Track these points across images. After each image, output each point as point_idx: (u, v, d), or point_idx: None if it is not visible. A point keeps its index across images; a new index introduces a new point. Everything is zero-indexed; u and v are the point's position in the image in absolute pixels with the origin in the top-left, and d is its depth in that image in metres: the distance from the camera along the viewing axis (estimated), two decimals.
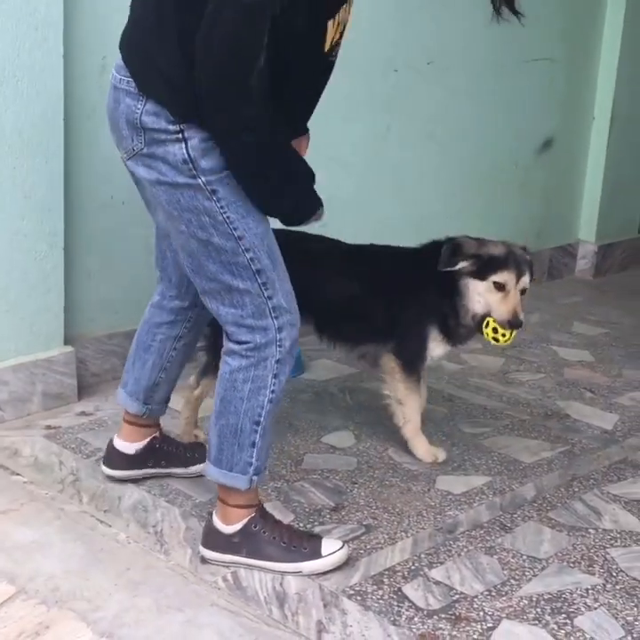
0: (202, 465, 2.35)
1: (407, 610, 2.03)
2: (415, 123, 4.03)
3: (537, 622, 2.00)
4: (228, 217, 2.01)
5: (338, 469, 2.65)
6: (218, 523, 2.18)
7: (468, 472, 2.69)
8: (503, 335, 2.62)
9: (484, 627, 1.98)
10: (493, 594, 2.10)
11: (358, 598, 2.06)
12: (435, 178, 4.18)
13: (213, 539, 2.18)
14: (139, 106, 2.00)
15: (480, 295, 2.62)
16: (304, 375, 3.37)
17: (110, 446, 2.52)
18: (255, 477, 2.13)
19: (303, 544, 2.16)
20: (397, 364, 2.71)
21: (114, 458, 2.51)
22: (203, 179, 1.98)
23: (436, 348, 2.74)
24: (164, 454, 2.53)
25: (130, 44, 2.08)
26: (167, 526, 2.32)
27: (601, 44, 4.72)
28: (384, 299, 2.73)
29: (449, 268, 2.62)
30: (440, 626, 1.98)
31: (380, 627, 1.97)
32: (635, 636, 1.97)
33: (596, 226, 4.97)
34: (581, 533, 2.38)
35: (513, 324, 2.59)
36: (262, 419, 2.11)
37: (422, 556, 2.24)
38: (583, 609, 2.06)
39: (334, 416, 3.03)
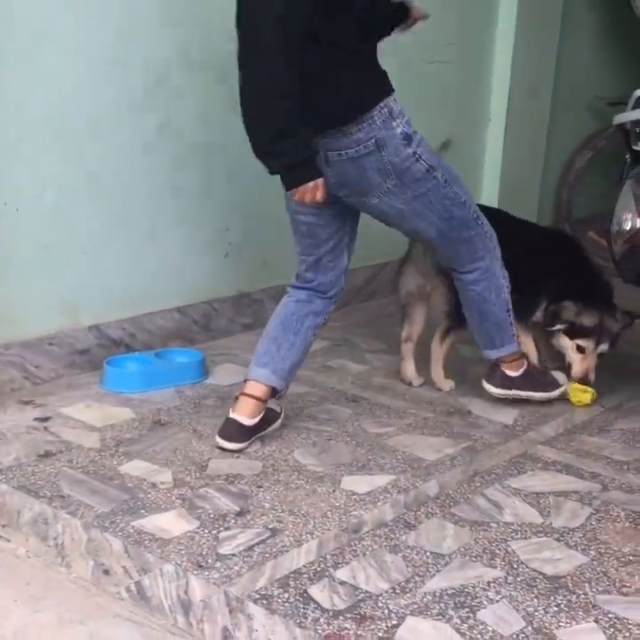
0: (279, 421, 2.93)
1: (313, 611, 2.03)
2: None
3: (441, 617, 2.03)
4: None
5: (243, 474, 2.64)
6: (506, 371, 3.13)
7: (372, 472, 2.71)
8: (579, 401, 3.27)
9: (389, 624, 2.00)
10: (398, 591, 2.12)
11: (264, 602, 2.05)
12: None
13: (502, 381, 3.15)
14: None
15: (566, 349, 3.33)
16: (208, 380, 3.35)
17: (232, 422, 2.80)
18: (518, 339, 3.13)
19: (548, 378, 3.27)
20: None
21: (235, 432, 2.79)
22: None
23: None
24: (264, 419, 2.86)
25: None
26: (68, 539, 2.28)
27: (494, 46, 4.82)
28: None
29: (550, 329, 3.33)
30: (345, 626, 1.99)
31: (286, 630, 1.97)
32: (535, 626, 2.01)
33: None
34: (483, 528, 2.42)
35: (584, 381, 3.29)
36: (509, 304, 3.01)
37: (328, 556, 2.25)
38: (485, 602, 2.10)
39: None
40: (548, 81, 5.14)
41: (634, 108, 2.84)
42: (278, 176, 2.60)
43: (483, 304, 2.99)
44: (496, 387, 3.18)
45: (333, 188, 2.69)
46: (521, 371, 3.17)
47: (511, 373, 3.16)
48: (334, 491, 2.57)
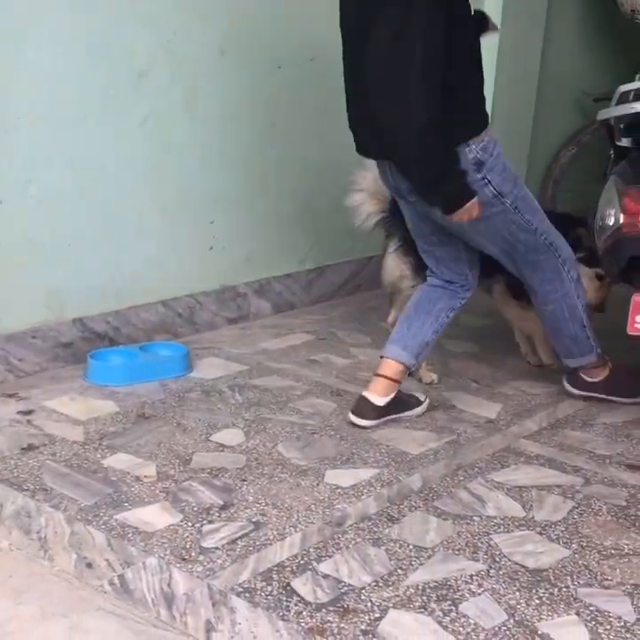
0: (420, 407, 3.09)
1: (296, 604, 2.04)
2: (299, 119, 4.05)
3: (423, 610, 2.04)
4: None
5: (227, 467, 2.64)
6: (585, 376, 3.23)
7: (356, 465, 2.71)
8: None
9: (372, 617, 2.00)
10: (380, 584, 2.13)
11: (247, 595, 2.05)
12: (318, 174, 4.21)
13: (581, 384, 3.25)
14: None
15: (584, 277, 3.19)
16: (192, 374, 3.35)
17: (363, 400, 2.97)
18: (598, 350, 3.19)
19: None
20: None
21: (365, 410, 2.97)
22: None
23: None
24: (399, 401, 3.02)
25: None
26: (51, 532, 2.28)
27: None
28: None
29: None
30: (328, 619, 1.99)
31: (268, 623, 1.98)
32: (517, 619, 2.03)
33: None
34: (466, 521, 2.43)
35: (600, 308, 3.43)
36: (585, 320, 3.10)
37: (311, 550, 2.25)
38: (468, 595, 2.10)
39: (223, 414, 3.02)
40: (533, 76, 5.15)
41: (617, 103, 2.85)
42: None
43: (556, 322, 3.12)
44: (575, 388, 3.29)
45: (408, 193, 2.83)
46: (602, 376, 3.25)
47: (589, 379, 3.25)
48: (318, 484, 2.58)
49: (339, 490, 2.55)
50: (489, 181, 2.75)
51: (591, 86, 5.32)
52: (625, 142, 2.93)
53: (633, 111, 2.77)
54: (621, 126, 2.92)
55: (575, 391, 3.28)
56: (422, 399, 3.13)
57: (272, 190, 4.00)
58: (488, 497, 2.57)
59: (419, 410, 3.09)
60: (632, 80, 3.37)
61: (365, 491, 2.56)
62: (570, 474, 2.74)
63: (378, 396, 2.99)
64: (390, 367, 3.01)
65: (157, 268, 3.64)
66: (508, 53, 4.88)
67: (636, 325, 2.81)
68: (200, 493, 2.49)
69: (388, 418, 3.01)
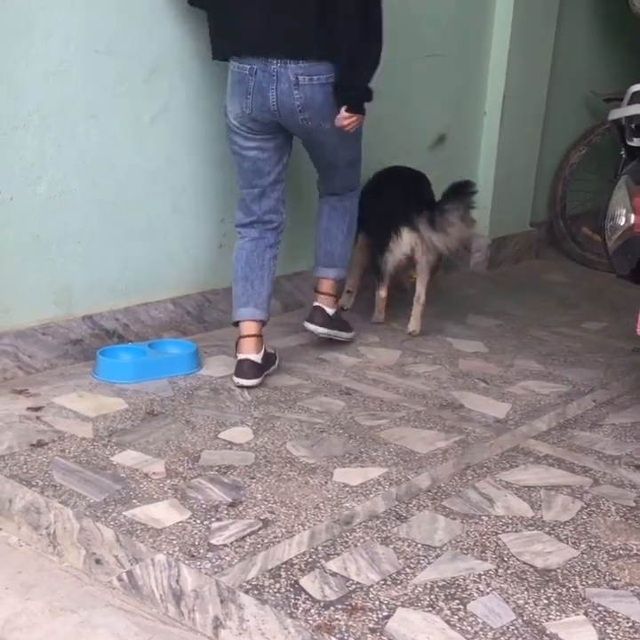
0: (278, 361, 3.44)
1: (304, 602, 2.04)
2: None
3: (431, 609, 2.04)
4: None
5: (235, 465, 2.65)
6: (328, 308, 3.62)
7: (364, 464, 2.71)
8: None
9: (380, 615, 2.00)
10: (389, 583, 2.13)
11: (255, 592, 2.05)
12: None
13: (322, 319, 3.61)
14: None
15: None
16: (201, 371, 3.35)
17: (243, 362, 3.23)
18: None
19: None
20: None
21: (250, 370, 3.23)
22: None
23: None
24: (268, 357, 3.34)
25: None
26: (60, 528, 2.28)
27: (491, 39, 4.82)
28: None
29: None
30: (336, 617, 1.99)
31: (276, 620, 1.98)
32: (525, 618, 2.02)
33: (490, 220, 5.09)
34: (474, 520, 2.43)
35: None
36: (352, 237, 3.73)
37: (319, 548, 2.25)
38: (476, 594, 2.10)
39: (232, 412, 3.02)
40: (544, 76, 5.14)
41: (629, 103, 2.84)
42: None
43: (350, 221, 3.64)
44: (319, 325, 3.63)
45: (296, 110, 3.17)
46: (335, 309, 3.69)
47: (330, 310, 3.65)
48: (326, 482, 2.58)
49: (347, 488, 2.55)
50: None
51: (602, 86, 5.32)
52: (636, 142, 2.92)
53: None
54: (633, 126, 2.91)
55: (319, 329, 3.61)
56: (273, 352, 3.42)
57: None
58: (497, 496, 2.57)
59: (277, 363, 3.41)
60: None
61: (374, 489, 2.56)
62: (579, 474, 2.74)
63: (255, 353, 3.26)
64: (252, 326, 3.31)
65: (167, 266, 3.64)
66: (519, 53, 4.87)
67: None
68: (208, 491, 2.49)
69: (264, 374, 3.30)
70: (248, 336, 3.28)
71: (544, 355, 3.79)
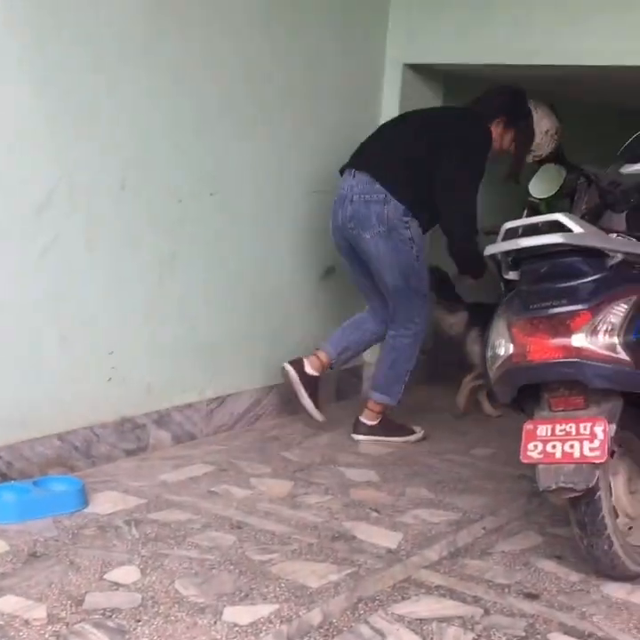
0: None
1: None
2: (200, 250, 4.11)
3: None
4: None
5: (121, 607, 2.56)
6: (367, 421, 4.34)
7: (255, 601, 2.66)
8: None
9: None
10: None
11: None
12: (223, 304, 4.25)
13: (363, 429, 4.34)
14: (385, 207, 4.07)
15: None
16: (87, 509, 3.26)
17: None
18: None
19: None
20: None
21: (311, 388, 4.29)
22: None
23: None
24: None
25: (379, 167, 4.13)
26: None
27: None
28: None
29: None
30: None
31: None
32: None
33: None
34: None
35: None
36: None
37: None
38: None
39: (119, 550, 2.94)
40: None
41: (503, 239, 2.97)
42: None
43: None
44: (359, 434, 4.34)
45: (346, 222, 4.15)
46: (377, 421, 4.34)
47: (369, 422, 4.33)
48: (216, 622, 2.51)
49: (237, 628, 2.49)
50: (408, 226, 4.13)
51: (486, 221, 5.53)
52: (512, 275, 3.05)
53: (518, 247, 2.90)
54: (509, 260, 3.04)
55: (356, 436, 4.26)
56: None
57: (173, 320, 4.01)
58: (389, 631, 2.54)
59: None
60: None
61: (264, 628, 2.50)
62: (470, 604, 2.74)
63: (313, 369, 4.25)
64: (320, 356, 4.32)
65: (54, 400, 3.58)
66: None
67: (528, 453, 2.87)
68: (92, 636, 2.39)
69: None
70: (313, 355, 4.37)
71: (434, 482, 3.83)
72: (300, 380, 4.22)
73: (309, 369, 4.24)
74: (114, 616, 2.51)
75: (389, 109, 4.87)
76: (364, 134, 4.32)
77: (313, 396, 4.26)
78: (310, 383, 4.24)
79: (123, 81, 3.65)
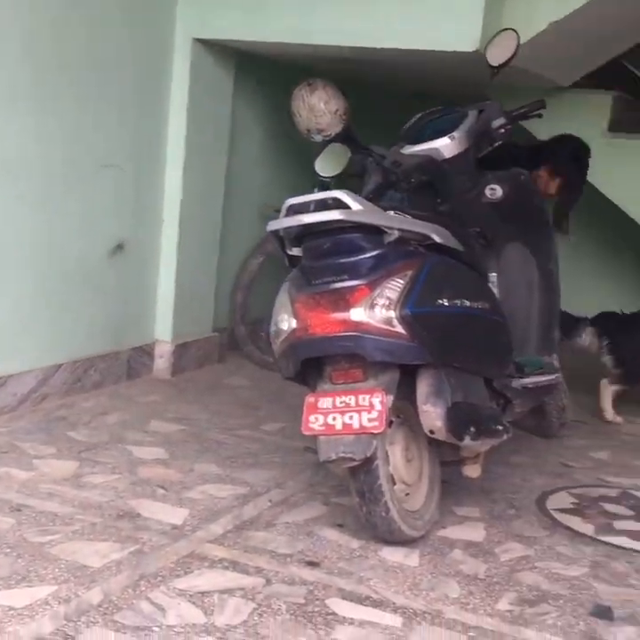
0: None
1: None
2: None
3: None
4: None
5: None
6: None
7: (32, 583, 2.58)
8: None
9: None
10: None
11: None
12: (4, 282, 4.09)
13: None
14: None
15: None
16: None
17: None
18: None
19: None
20: None
21: None
22: None
23: None
24: None
25: None
26: None
27: (166, 154, 4.95)
28: None
29: None
30: None
31: None
32: None
33: (172, 325, 5.13)
34: (145, 632, 2.38)
35: None
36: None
37: None
38: None
39: None
40: (219, 188, 5.34)
41: (286, 215, 3.01)
42: None
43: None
44: None
45: None
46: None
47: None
48: None
49: (12, 611, 2.41)
50: None
51: (275, 199, 5.59)
52: (295, 251, 3.09)
53: (300, 223, 2.94)
54: (291, 237, 3.08)
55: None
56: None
57: None
58: (169, 605, 2.54)
59: None
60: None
61: (40, 610, 2.44)
62: (252, 575, 2.77)
63: None
64: None
65: None
66: (194, 168, 5.03)
67: (310, 425, 2.93)
68: None
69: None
70: None
71: (224, 458, 3.84)
72: None
73: None
74: None
75: (180, 83, 4.83)
76: (155, 107, 4.25)
77: None
78: None
79: None
